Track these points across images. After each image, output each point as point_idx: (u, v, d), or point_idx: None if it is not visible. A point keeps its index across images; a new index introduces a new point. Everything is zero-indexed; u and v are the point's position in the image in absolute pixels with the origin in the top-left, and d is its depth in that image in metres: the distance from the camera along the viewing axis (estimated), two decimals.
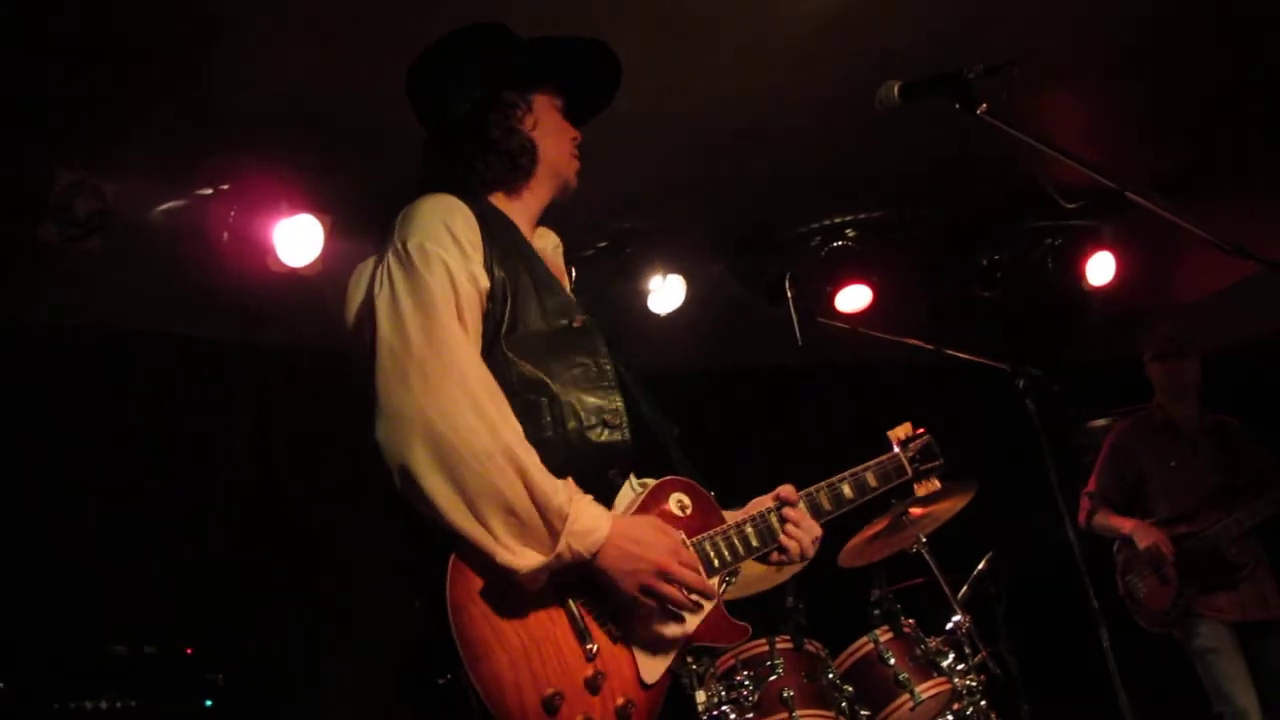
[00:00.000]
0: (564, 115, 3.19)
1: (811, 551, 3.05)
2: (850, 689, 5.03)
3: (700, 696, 4.66)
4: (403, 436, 2.46)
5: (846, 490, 3.25)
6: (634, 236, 6.85)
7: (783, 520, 3.01)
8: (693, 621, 2.70)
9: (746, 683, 4.83)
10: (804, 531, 3.02)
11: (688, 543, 2.80)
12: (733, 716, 4.71)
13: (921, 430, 3.59)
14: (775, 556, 3.02)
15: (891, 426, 3.69)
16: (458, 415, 2.47)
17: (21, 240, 5.29)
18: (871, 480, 3.34)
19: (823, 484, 3.19)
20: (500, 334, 2.72)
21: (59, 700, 4.76)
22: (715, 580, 2.84)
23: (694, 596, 2.65)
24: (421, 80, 3.13)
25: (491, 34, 3.15)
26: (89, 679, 4.88)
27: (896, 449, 3.51)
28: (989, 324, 7.93)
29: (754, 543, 2.95)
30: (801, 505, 3.07)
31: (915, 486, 3.52)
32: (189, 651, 5.27)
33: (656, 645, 2.65)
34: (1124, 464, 6.70)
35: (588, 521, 2.54)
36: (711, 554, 2.84)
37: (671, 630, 2.67)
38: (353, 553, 6.68)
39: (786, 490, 3.07)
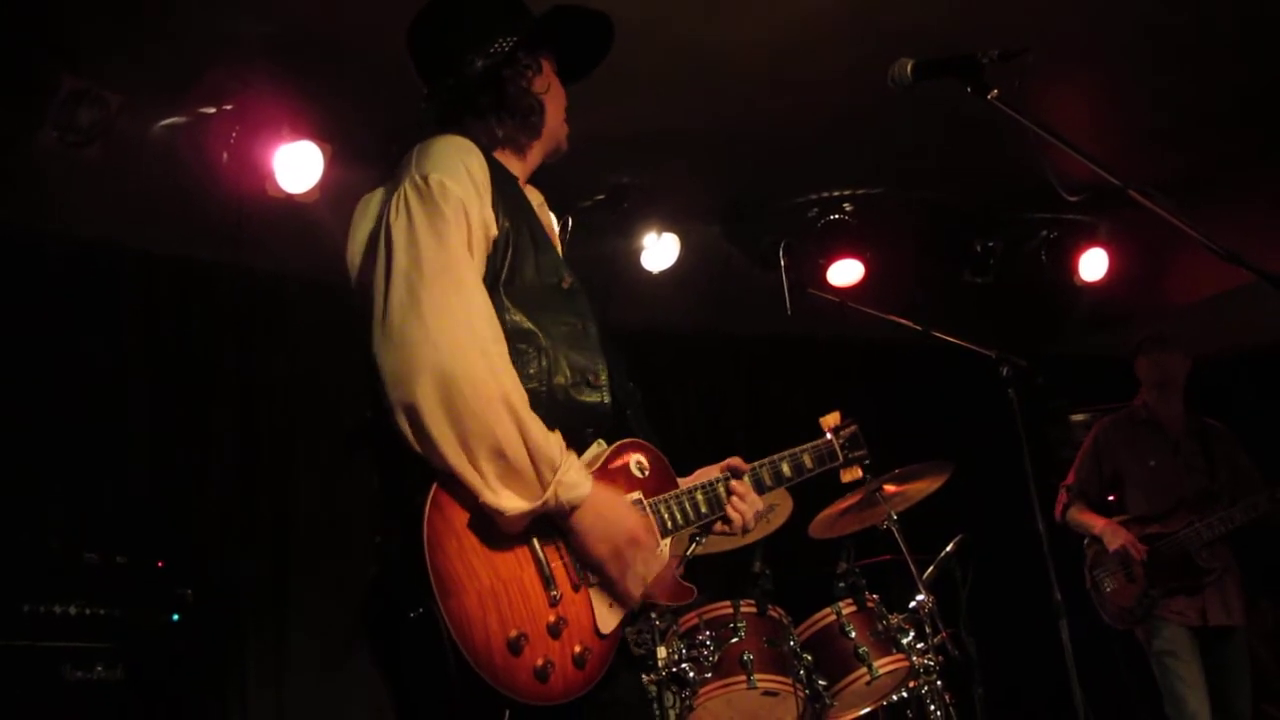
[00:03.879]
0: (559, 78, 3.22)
1: (754, 523, 3.17)
2: (809, 658, 5.08)
3: (661, 652, 4.71)
4: (410, 366, 2.46)
5: (785, 469, 3.34)
6: (631, 192, 6.83)
7: (729, 491, 3.10)
8: (646, 582, 2.74)
9: (708, 643, 4.88)
10: (747, 504, 3.12)
11: (645, 503, 2.88)
12: (692, 674, 4.77)
13: (850, 419, 3.64)
14: (719, 526, 3.12)
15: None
16: (468, 354, 2.49)
17: (19, 144, 5.27)
18: (808, 462, 3.43)
19: (765, 460, 3.29)
20: (500, 282, 2.75)
21: (29, 602, 4.78)
22: (669, 540, 2.93)
23: (652, 566, 2.73)
24: (430, 34, 3.12)
25: None
26: (60, 584, 4.91)
27: (829, 435, 3.56)
28: (978, 310, 7.96)
29: (703, 509, 3.03)
30: (747, 479, 3.17)
31: (842, 472, 3.60)
32: (160, 565, 5.29)
33: (613, 599, 2.69)
34: (1103, 459, 6.72)
35: (575, 476, 2.58)
36: (665, 516, 2.92)
37: (628, 589, 2.70)
38: (328, 482, 6.71)
39: (736, 462, 3.17)
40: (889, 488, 5.53)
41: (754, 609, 5.03)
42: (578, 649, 2.57)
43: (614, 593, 2.68)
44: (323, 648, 6.49)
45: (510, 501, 2.49)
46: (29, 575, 4.85)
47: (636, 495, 2.87)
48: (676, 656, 4.83)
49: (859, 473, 3.64)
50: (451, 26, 3.09)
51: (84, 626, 4.91)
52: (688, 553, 3.30)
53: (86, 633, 4.91)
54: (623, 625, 2.72)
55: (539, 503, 2.51)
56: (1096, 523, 6.52)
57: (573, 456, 2.62)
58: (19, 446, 5.76)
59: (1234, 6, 5.61)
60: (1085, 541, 6.62)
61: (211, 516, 6.49)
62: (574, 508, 2.58)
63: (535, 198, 3.17)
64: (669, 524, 2.92)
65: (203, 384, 6.66)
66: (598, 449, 2.90)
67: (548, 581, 2.58)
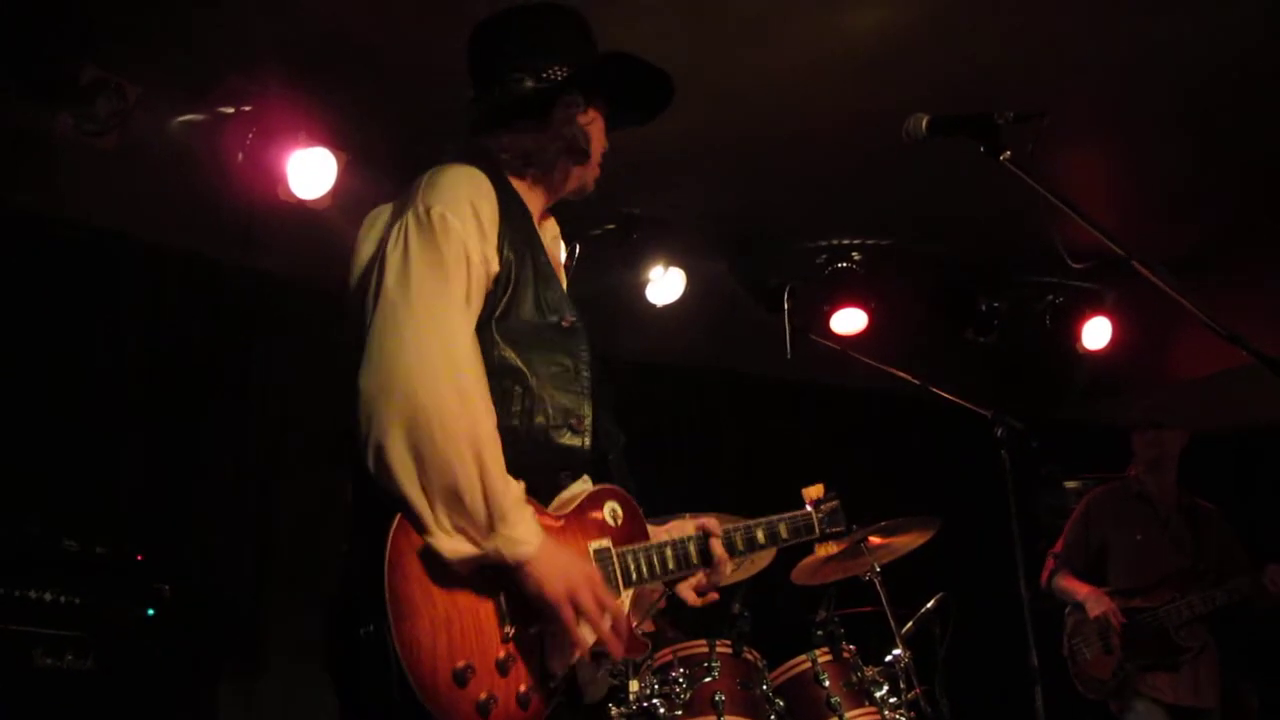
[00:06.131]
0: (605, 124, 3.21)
1: (721, 584, 3.15)
2: (781, 703, 5.05)
3: (633, 686, 4.69)
4: (382, 392, 2.47)
5: (760, 536, 3.32)
6: (641, 224, 6.85)
7: (701, 551, 3.08)
8: (584, 643, 2.68)
9: (681, 680, 4.85)
10: (722, 572, 3.11)
11: (613, 552, 2.86)
12: (662, 710, 4.74)
13: (833, 494, 3.64)
14: (686, 591, 3.11)
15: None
16: (441, 388, 2.48)
17: (36, 130, 5.28)
18: (783, 532, 3.42)
19: (740, 525, 3.27)
20: (494, 316, 2.74)
21: (3, 586, 4.76)
22: (631, 592, 2.90)
23: (603, 625, 2.66)
24: (491, 40, 3.11)
25: (576, 22, 3.16)
26: (37, 569, 4.89)
27: (810, 508, 3.55)
28: (978, 369, 7.96)
29: (670, 565, 3.00)
30: (719, 541, 3.13)
31: (817, 546, 3.59)
32: (139, 558, 5.27)
33: (565, 643, 2.66)
34: (1091, 529, 6.72)
35: (522, 532, 2.54)
36: (631, 567, 2.89)
37: (566, 644, 2.66)
38: (313, 487, 6.70)
39: (711, 524, 3.14)
40: (874, 539, 5.52)
41: (729, 650, 5.01)
42: (523, 688, 2.56)
43: (562, 641, 2.63)
44: (297, 652, 6.46)
45: (453, 544, 2.48)
46: (6, 559, 4.84)
47: (606, 543, 2.85)
48: (648, 691, 4.81)
49: (834, 549, 3.63)
50: (514, 38, 3.08)
51: (58, 614, 4.89)
52: (649, 610, 3.28)
53: (60, 620, 4.88)
54: (573, 669, 2.69)
55: (481, 553, 2.50)
56: (1080, 589, 6.52)
57: (528, 510, 2.59)
58: (10, 430, 5.76)
59: (1253, 83, 5.63)
60: (1066, 610, 6.62)
61: (196, 513, 6.48)
62: (520, 563, 2.54)
63: (550, 230, 3.16)
64: (634, 576, 2.90)
65: (199, 380, 6.66)
66: (580, 487, 2.89)
67: (503, 617, 2.57)
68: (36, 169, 5.67)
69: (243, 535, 6.63)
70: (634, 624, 2.89)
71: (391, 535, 2.45)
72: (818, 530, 3.52)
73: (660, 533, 3.06)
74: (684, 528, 3.11)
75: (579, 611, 2.59)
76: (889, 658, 5.29)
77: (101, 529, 5.38)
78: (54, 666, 4.84)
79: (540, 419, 2.77)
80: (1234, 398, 8.22)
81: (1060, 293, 7.86)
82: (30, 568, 4.87)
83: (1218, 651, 6.33)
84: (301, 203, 5.70)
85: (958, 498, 6.93)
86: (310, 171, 5.64)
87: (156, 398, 6.46)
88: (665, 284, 7.11)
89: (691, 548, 3.06)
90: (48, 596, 4.87)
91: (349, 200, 5.65)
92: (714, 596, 3.16)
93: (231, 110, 5.50)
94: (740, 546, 3.24)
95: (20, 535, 4.97)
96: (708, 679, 4.89)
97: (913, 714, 5.17)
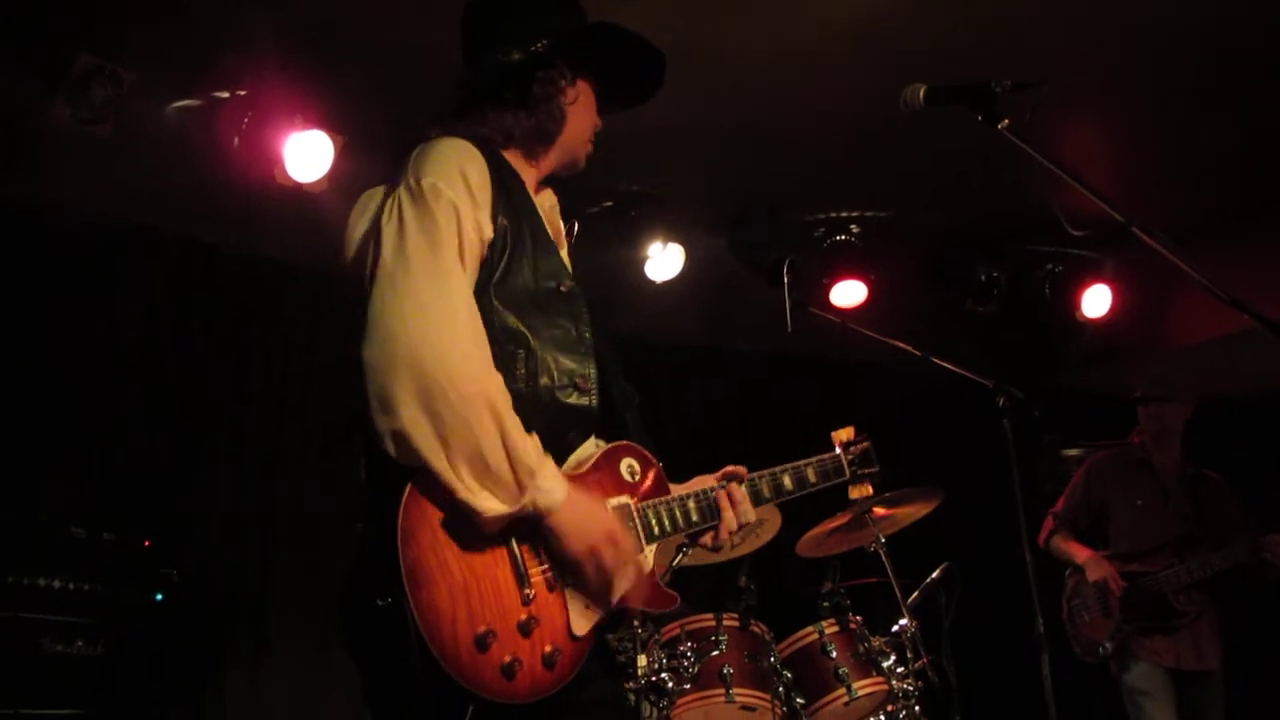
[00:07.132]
0: (597, 101, 3.20)
1: (739, 536, 3.14)
2: (789, 675, 5.08)
3: (641, 661, 4.71)
4: (390, 362, 2.46)
5: (787, 481, 3.32)
6: (640, 200, 6.84)
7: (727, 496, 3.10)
8: (624, 584, 2.72)
9: (689, 654, 4.88)
10: (740, 511, 3.10)
11: (633, 507, 2.87)
12: (671, 684, 4.77)
13: (863, 435, 3.63)
14: (708, 538, 3.11)
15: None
16: (449, 352, 2.48)
17: (31, 118, 5.27)
18: (811, 476, 3.42)
19: (765, 472, 3.27)
20: (491, 282, 2.74)
21: (13, 574, 4.78)
22: (655, 546, 2.91)
23: (629, 568, 2.69)
24: (483, 17, 3.13)
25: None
26: (46, 557, 4.90)
27: (839, 450, 3.56)
28: (978, 339, 7.97)
29: (694, 517, 3.02)
30: (745, 486, 3.15)
31: (850, 489, 3.58)
32: (146, 544, 5.29)
33: (589, 601, 2.68)
34: (1093, 492, 6.72)
35: (550, 481, 2.57)
36: (654, 521, 2.91)
37: (604, 589, 2.69)
38: (316, 469, 6.71)
39: (736, 469, 3.17)
40: (878, 511, 5.53)
41: (736, 623, 5.03)
42: (548, 649, 2.57)
43: (590, 593, 2.66)
44: (303, 634, 6.49)
45: (488, 503, 2.49)
46: (15, 547, 4.85)
47: (625, 499, 2.86)
48: (656, 665, 4.83)
49: (869, 489, 3.62)
50: (504, 15, 3.10)
51: (67, 600, 4.92)
52: (673, 563, 3.28)
53: (69, 607, 4.92)
54: (598, 629, 2.71)
55: (516, 507, 2.51)
56: (1080, 553, 6.54)
57: (549, 461, 2.61)
58: (14, 419, 5.76)
59: (1254, 52, 5.62)
60: (1067, 572, 6.64)
61: (200, 498, 6.49)
62: (550, 511, 2.57)
63: (547, 200, 3.16)
64: (656, 530, 2.91)
65: (199, 366, 6.67)
66: (592, 449, 2.90)
67: (522, 579, 2.58)
68: (33, 157, 5.66)
69: (248, 519, 6.65)
70: (660, 579, 2.92)
71: (403, 506, 2.46)
72: (848, 472, 3.53)
73: (682, 489, 3.07)
74: (706, 482, 3.13)
75: (600, 568, 2.62)
76: (895, 628, 5.31)
77: (108, 516, 5.39)
78: (64, 653, 4.86)
79: (545, 380, 2.77)
80: (1235, 362, 8.20)
81: (1059, 261, 7.86)
82: (39, 555, 4.89)
83: (1217, 616, 6.35)
84: (299, 186, 5.69)
85: (960, 468, 6.94)
86: (307, 155, 5.63)
87: (157, 382, 6.47)
88: (664, 260, 7.11)
89: (715, 496, 3.09)
90: (57, 584, 4.89)
91: (346, 183, 5.64)
92: (731, 539, 3.16)
93: (227, 94, 5.49)
94: (766, 493, 3.25)
95: (28, 523, 4.98)
96: (715, 652, 4.92)
97: (920, 683, 5.19)
